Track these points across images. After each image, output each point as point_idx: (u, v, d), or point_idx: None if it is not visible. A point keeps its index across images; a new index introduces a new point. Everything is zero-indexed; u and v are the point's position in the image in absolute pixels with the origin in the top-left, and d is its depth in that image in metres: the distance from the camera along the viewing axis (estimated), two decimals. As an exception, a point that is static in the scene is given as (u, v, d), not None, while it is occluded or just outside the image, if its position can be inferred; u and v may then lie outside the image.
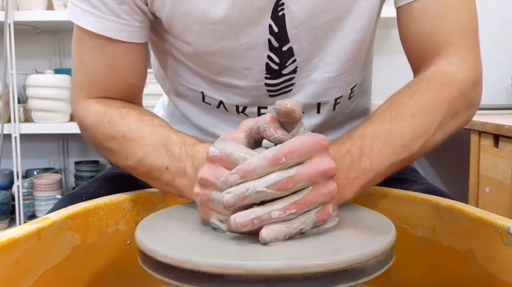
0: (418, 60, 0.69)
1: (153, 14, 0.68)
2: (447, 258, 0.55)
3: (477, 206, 1.20)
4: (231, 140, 0.48)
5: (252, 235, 0.44)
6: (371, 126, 0.58)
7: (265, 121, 0.46)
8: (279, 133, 0.46)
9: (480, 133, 1.32)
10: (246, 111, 0.75)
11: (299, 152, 0.43)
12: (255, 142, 0.49)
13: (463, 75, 0.65)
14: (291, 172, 0.43)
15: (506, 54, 2.19)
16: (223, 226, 0.46)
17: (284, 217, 0.43)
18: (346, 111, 0.80)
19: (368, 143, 0.56)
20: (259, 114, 0.74)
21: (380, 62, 1.50)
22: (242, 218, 0.42)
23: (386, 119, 0.59)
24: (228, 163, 0.46)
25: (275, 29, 0.66)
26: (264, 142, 0.49)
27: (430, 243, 0.57)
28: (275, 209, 0.42)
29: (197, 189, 0.48)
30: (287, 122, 0.46)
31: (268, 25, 0.66)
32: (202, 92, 0.75)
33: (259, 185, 0.42)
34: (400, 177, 0.74)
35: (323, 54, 0.70)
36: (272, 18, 0.65)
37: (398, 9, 0.69)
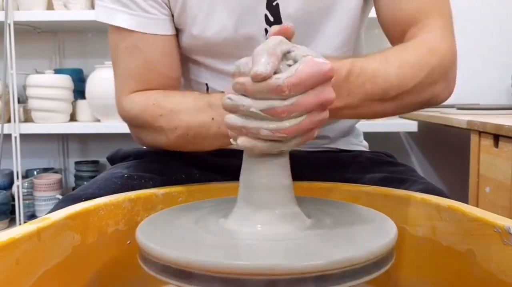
0: (399, 32, 0.71)
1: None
2: (447, 258, 0.55)
3: (477, 206, 1.20)
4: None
5: (253, 232, 0.45)
6: (361, 61, 0.59)
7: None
8: None
9: (480, 133, 1.32)
10: None
11: (305, 85, 0.43)
12: None
13: (445, 47, 0.67)
14: (290, 101, 0.42)
15: (506, 54, 2.19)
16: (234, 143, 0.46)
17: (271, 137, 0.43)
18: None
19: (355, 71, 0.57)
20: None
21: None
22: (232, 120, 0.43)
23: (376, 60, 0.61)
24: (236, 74, 0.46)
25: (271, 18, 0.71)
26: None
27: (430, 243, 0.57)
28: (265, 127, 0.43)
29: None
30: None
31: (264, 15, 0.70)
32: (206, 84, 0.79)
33: (254, 106, 0.42)
34: (400, 177, 0.74)
35: (316, 41, 0.73)
36: (267, 8, 0.70)
37: None
